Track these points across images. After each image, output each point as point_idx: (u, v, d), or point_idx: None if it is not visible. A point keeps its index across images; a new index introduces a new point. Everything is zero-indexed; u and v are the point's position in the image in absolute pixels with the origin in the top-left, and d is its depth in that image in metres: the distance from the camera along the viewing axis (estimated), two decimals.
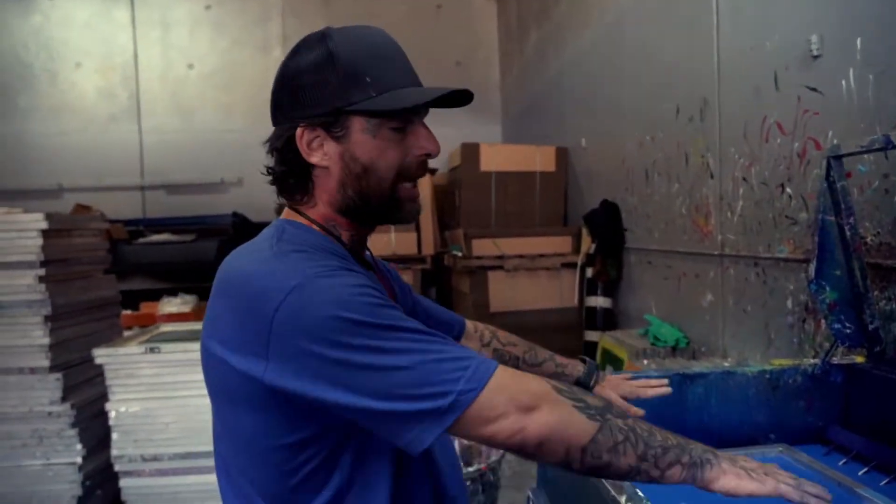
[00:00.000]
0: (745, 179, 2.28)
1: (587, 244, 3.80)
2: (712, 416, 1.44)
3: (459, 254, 4.06)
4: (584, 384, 1.19)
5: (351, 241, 0.88)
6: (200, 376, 2.89)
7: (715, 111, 2.47)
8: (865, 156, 1.63)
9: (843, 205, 1.35)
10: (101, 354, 2.39)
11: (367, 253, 0.96)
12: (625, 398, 1.17)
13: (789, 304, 2.06)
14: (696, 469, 0.76)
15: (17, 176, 6.06)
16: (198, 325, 3.13)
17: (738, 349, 2.39)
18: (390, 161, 0.83)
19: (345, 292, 0.72)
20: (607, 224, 3.55)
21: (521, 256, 3.98)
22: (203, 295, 5.01)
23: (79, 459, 2.49)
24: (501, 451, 2.20)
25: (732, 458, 0.79)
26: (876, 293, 1.58)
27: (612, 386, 1.20)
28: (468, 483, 2.04)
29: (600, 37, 3.71)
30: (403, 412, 0.70)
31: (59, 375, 2.47)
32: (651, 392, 1.19)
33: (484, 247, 4.00)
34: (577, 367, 1.21)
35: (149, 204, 6.29)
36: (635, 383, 1.21)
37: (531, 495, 1.45)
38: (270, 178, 0.88)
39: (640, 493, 0.99)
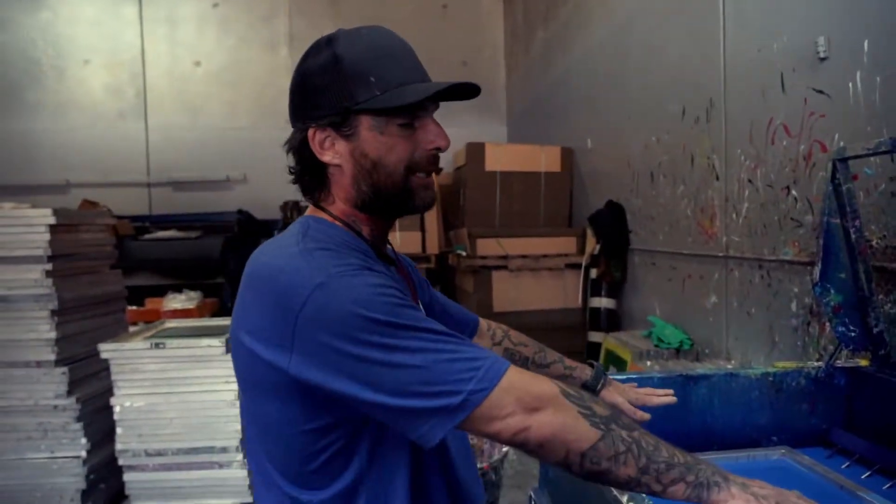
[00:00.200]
0: (750, 181, 2.28)
1: (591, 245, 3.80)
2: (715, 418, 1.44)
3: (464, 253, 4.06)
4: (592, 388, 1.21)
5: (372, 235, 0.91)
6: (204, 372, 2.89)
7: (721, 113, 2.47)
8: (872, 159, 1.63)
9: (848, 207, 1.35)
10: (106, 349, 2.40)
11: (389, 247, 0.99)
12: (632, 404, 1.18)
13: (794, 306, 2.06)
14: (703, 489, 0.76)
15: (24, 171, 6.09)
16: (201, 322, 3.15)
17: (741, 351, 2.39)
18: (399, 156, 0.86)
19: (366, 292, 0.75)
20: (612, 225, 3.55)
21: (525, 256, 3.98)
22: (208, 291, 5.04)
23: (83, 453, 2.51)
24: (504, 451, 2.21)
25: (745, 484, 0.78)
26: (881, 296, 1.58)
27: (620, 391, 1.21)
28: None
29: (607, 37, 3.71)
30: (416, 408, 0.73)
31: (64, 369, 2.49)
32: (656, 401, 1.20)
33: (488, 246, 4.00)
34: (584, 371, 1.22)
35: (155, 200, 6.32)
36: (642, 391, 1.22)
37: (533, 495, 1.45)
38: (292, 177, 0.93)
39: (642, 494, 0.99)
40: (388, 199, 0.88)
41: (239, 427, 2.39)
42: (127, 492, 2.45)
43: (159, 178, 6.30)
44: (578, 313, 3.93)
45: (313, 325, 0.75)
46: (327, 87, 0.85)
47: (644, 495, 0.97)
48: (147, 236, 5.47)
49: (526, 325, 3.44)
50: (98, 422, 2.60)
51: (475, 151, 4.30)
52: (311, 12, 6.37)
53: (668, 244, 3.00)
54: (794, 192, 2.03)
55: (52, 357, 2.48)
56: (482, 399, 0.73)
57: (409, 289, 0.98)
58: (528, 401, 0.75)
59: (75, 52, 6.25)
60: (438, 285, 5.24)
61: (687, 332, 2.80)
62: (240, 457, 2.41)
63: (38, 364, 2.49)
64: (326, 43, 0.87)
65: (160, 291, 4.87)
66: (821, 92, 1.88)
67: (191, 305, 4.61)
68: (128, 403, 2.40)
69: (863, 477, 1.27)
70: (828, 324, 1.72)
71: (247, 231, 5.70)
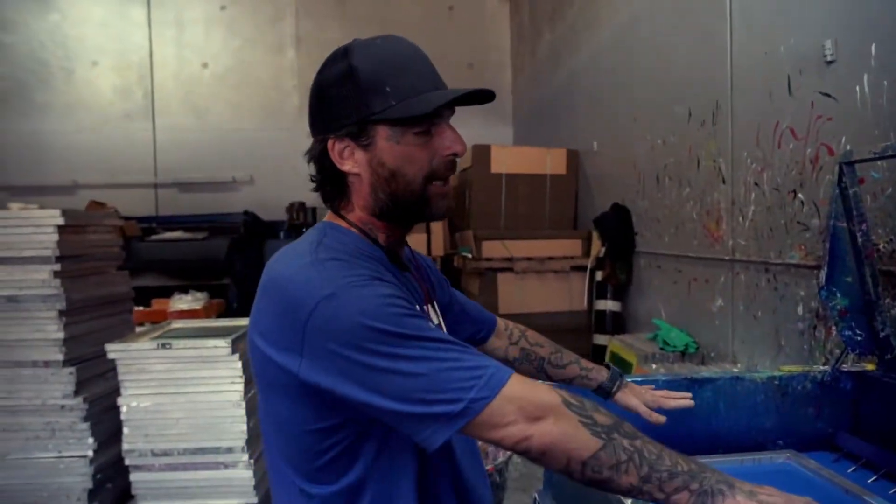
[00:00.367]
0: (756, 184, 2.27)
1: (597, 247, 3.80)
2: (721, 422, 1.44)
3: (469, 255, 4.06)
4: (608, 389, 1.22)
5: (387, 242, 0.94)
6: (210, 372, 2.89)
7: (727, 115, 2.47)
8: (879, 162, 1.63)
9: (855, 211, 1.34)
10: (113, 349, 2.41)
11: (407, 249, 1.02)
12: (647, 406, 1.19)
13: (800, 310, 2.05)
14: (707, 497, 0.76)
15: (33, 172, 6.13)
16: (208, 322, 3.16)
17: (747, 355, 2.38)
18: (419, 164, 0.88)
19: (372, 302, 0.78)
20: (618, 228, 3.55)
21: (530, 259, 3.98)
22: (214, 292, 5.06)
23: (90, 453, 2.52)
24: (508, 454, 2.21)
25: (753, 491, 0.77)
26: (887, 300, 1.57)
27: (636, 393, 1.21)
28: None
29: (613, 40, 3.71)
30: (418, 414, 0.76)
31: (72, 369, 2.50)
32: (673, 403, 1.21)
33: (493, 249, 4.00)
34: (601, 372, 1.23)
35: (162, 201, 6.35)
36: (658, 393, 1.22)
37: (537, 497, 1.45)
38: (314, 185, 0.95)
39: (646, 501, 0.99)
40: (405, 206, 0.90)
41: (245, 427, 2.40)
42: (133, 491, 2.46)
43: (166, 180, 6.33)
44: (584, 316, 3.93)
45: (321, 334, 0.78)
46: (344, 98, 0.87)
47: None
48: (154, 237, 5.50)
49: (531, 327, 3.43)
50: (105, 422, 2.61)
51: (481, 153, 4.31)
52: (318, 15, 6.39)
53: (673, 247, 3.00)
54: (800, 196, 2.03)
55: (60, 357, 2.49)
56: (483, 407, 0.75)
57: (422, 292, 1.00)
58: (530, 410, 0.76)
59: (84, 54, 6.30)
60: None
61: (692, 335, 2.80)
62: (245, 457, 2.41)
63: (46, 364, 2.50)
64: (342, 54, 0.89)
65: (167, 292, 4.89)
66: (828, 95, 1.88)
67: (197, 306, 4.63)
68: (134, 403, 2.41)
69: (869, 481, 1.27)
70: (834, 328, 1.71)
71: (253, 232, 5.72)
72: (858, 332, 1.41)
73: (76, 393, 2.51)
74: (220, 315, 4.77)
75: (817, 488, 1.21)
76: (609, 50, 3.78)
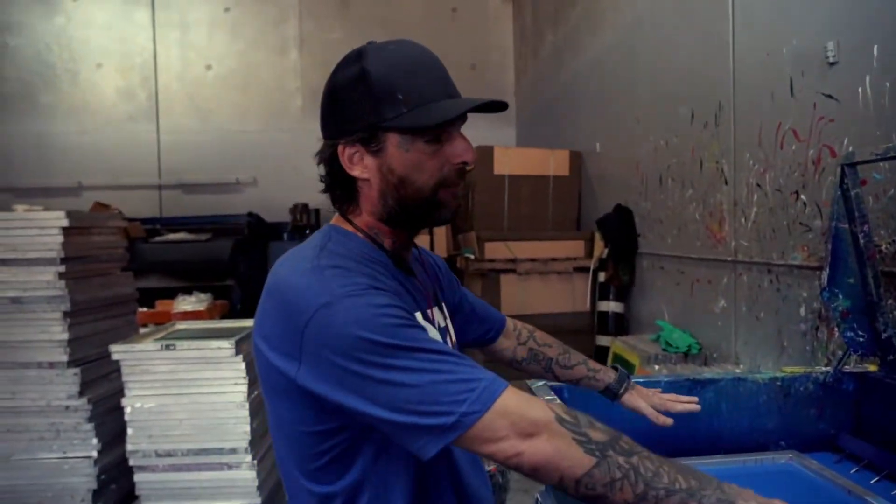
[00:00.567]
0: (759, 186, 2.27)
1: (600, 249, 3.80)
2: (723, 423, 1.44)
3: (472, 257, 4.07)
4: (615, 391, 1.21)
5: (393, 246, 0.94)
6: (214, 373, 2.90)
7: (730, 117, 2.47)
8: (881, 163, 1.63)
9: (857, 212, 1.34)
10: (117, 350, 2.42)
11: (414, 250, 1.02)
12: (654, 409, 1.19)
13: (802, 311, 2.05)
14: None
15: (38, 174, 6.17)
16: (211, 324, 3.17)
17: (750, 356, 2.38)
18: (428, 173, 0.88)
19: (368, 312, 0.78)
20: (620, 229, 3.55)
21: (533, 260, 3.98)
22: (217, 293, 5.08)
23: (94, 453, 2.53)
24: None
25: None
26: (890, 301, 1.57)
27: (643, 396, 1.21)
28: None
29: (616, 41, 3.71)
30: (410, 424, 0.76)
31: (76, 370, 2.51)
32: (680, 407, 1.20)
33: (496, 250, 4.00)
34: (608, 374, 1.23)
35: (165, 203, 6.38)
36: (665, 396, 1.22)
37: (539, 498, 1.45)
38: (324, 186, 0.95)
39: None
40: (413, 212, 0.90)
41: (248, 428, 2.41)
42: (137, 492, 2.47)
43: (170, 181, 6.36)
44: (587, 317, 3.93)
45: (317, 343, 0.79)
46: (355, 102, 0.86)
47: None
48: (158, 239, 5.52)
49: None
50: (109, 422, 2.62)
51: (484, 155, 4.31)
52: (321, 16, 6.40)
53: (676, 248, 3.00)
54: (802, 197, 2.03)
55: (65, 358, 2.51)
56: (474, 421, 0.75)
57: (427, 296, 0.99)
58: (523, 426, 0.76)
59: (88, 56, 6.33)
60: None
61: (695, 336, 2.80)
62: (249, 458, 2.42)
63: (51, 365, 2.51)
64: (356, 57, 0.88)
65: (170, 293, 4.91)
66: (830, 96, 1.88)
67: (201, 307, 4.65)
68: (138, 404, 2.42)
69: (871, 482, 1.27)
70: (836, 329, 1.71)
71: (256, 234, 5.74)
72: (860, 333, 1.41)
73: (80, 394, 2.52)
74: (224, 316, 4.79)
75: (819, 489, 1.21)
76: (612, 51, 3.78)
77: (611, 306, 3.68)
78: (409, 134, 0.86)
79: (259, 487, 2.43)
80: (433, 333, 0.95)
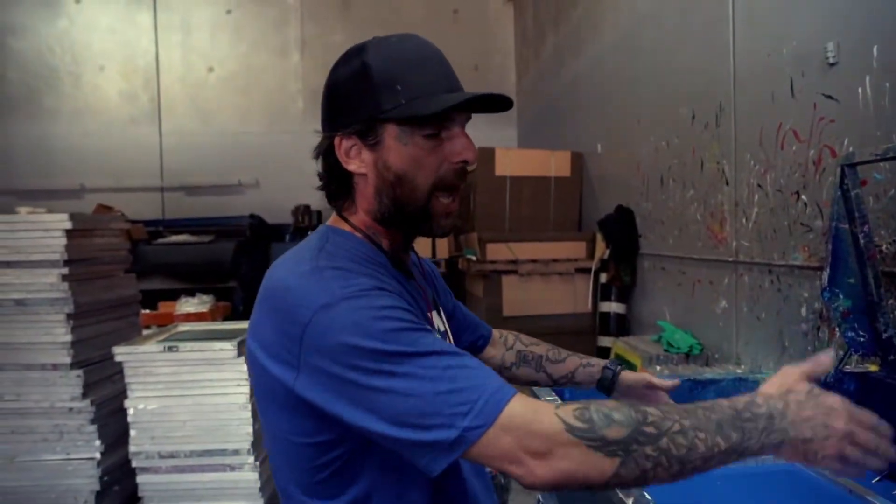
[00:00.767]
0: (760, 186, 2.28)
1: (601, 249, 3.80)
2: None
3: (473, 258, 4.07)
4: (613, 369, 1.21)
5: (391, 247, 0.91)
6: (216, 375, 2.91)
7: (730, 117, 2.47)
8: (881, 164, 1.63)
9: (857, 213, 1.35)
10: (120, 352, 2.44)
11: (413, 255, 0.99)
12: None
13: (803, 311, 2.05)
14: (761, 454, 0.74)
15: (41, 176, 6.18)
16: (214, 325, 3.18)
17: (751, 356, 2.38)
18: (426, 170, 0.84)
19: (367, 315, 0.74)
20: (622, 229, 3.55)
21: (534, 261, 3.98)
22: (220, 295, 5.09)
23: (98, 455, 2.54)
24: None
25: (805, 438, 0.74)
26: (890, 301, 1.57)
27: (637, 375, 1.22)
28: None
29: (617, 42, 3.72)
30: (414, 440, 0.72)
31: (79, 372, 2.52)
32: (668, 384, 1.21)
33: (498, 251, 4.00)
34: (600, 361, 1.25)
35: (168, 205, 6.39)
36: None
37: (541, 498, 1.46)
38: (320, 182, 0.92)
39: (646, 496, 1.00)
40: (407, 215, 0.87)
41: (251, 430, 2.42)
42: (140, 493, 2.48)
43: (172, 183, 6.37)
44: (588, 318, 3.93)
45: (315, 349, 0.75)
46: (355, 95, 0.84)
47: (648, 497, 0.98)
48: (160, 240, 5.54)
49: (536, 329, 3.45)
50: (112, 424, 2.63)
51: (485, 156, 4.32)
52: (323, 18, 6.42)
53: (677, 249, 3.00)
54: (803, 197, 2.03)
55: (68, 360, 2.52)
56: (478, 437, 0.70)
57: (427, 299, 0.97)
58: (530, 444, 0.69)
59: (91, 59, 6.35)
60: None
61: (697, 336, 2.80)
62: (251, 459, 2.43)
63: (54, 367, 2.53)
64: (357, 51, 0.86)
65: (173, 295, 4.92)
66: (830, 97, 1.88)
67: (203, 309, 4.66)
68: (141, 406, 2.43)
69: (873, 482, 1.27)
70: (837, 329, 1.71)
71: (258, 235, 5.75)
72: (861, 333, 1.41)
73: (84, 395, 2.54)
74: (227, 318, 4.80)
75: (821, 489, 1.22)
76: (613, 52, 3.78)
77: (612, 307, 3.68)
78: (407, 125, 0.83)
79: (262, 489, 2.44)
80: None
